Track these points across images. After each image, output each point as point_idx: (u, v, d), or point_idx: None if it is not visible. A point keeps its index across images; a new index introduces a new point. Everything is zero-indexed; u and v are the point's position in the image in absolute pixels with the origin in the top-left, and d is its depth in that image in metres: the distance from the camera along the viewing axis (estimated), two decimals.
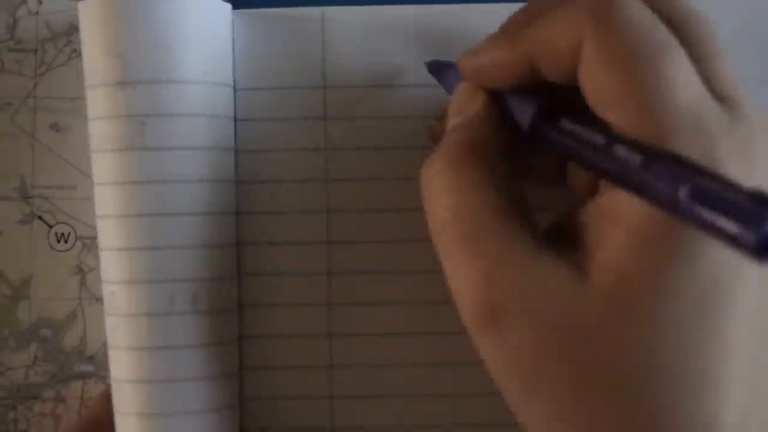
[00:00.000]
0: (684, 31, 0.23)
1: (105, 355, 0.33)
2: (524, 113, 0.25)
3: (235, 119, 0.33)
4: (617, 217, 0.22)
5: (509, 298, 0.23)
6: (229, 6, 0.33)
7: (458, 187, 0.24)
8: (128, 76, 0.30)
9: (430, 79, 0.32)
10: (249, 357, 0.33)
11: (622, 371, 0.21)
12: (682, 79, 0.22)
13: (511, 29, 0.25)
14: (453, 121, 0.27)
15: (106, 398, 0.32)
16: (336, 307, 0.33)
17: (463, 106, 0.27)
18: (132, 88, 0.30)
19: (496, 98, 0.26)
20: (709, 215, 0.18)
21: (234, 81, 0.33)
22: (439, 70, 0.31)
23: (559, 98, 0.24)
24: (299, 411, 0.33)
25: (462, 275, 0.24)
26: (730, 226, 0.17)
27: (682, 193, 0.18)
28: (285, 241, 0.33)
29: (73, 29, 0.35)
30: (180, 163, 0.31)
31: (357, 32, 0.34)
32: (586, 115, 0.23)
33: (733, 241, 0.17)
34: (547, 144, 0.24)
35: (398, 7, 0.34)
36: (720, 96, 0.23)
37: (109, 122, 0.31)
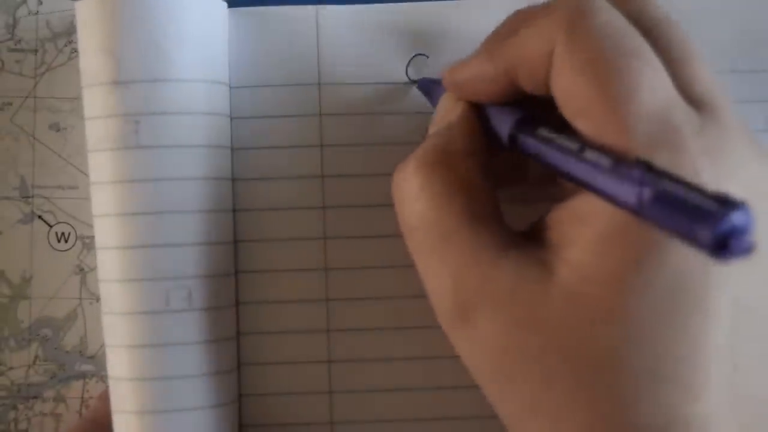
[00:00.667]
0: (657, 36, 0.23)
1: (105, 354, 0.33)
2: (503, 124, 0.25)
3: (231, 117, 0.33)
4: (586, 217, 0.22)
5: (477, 297, 0.23)
6: (224, 4, 0.33)
7: (427, 192, 0.24)
8: (123, 75, 0.30)
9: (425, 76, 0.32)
10: (247, 353, 0.33)
11: (587, 366, 0.21)
12: (652, 85, 0.22)
13: (490, 45, 0.26)
14: (432, 130, 0.27)
15: (107, 398, 0.32)
16: (333, 303, 0.33)
17: (443, 116, 0.27)
18: (126, 87, 0.30)
19: (477, 110, 0.26)
20: (670, 217, 0.18)
21: (229, 79, 0.33)
22: (428, 87, 0.32)
23: (539, 112, 0.25)
24: (298, 407, 0.33)
25: (432, 277, 0.24)
26: (689, 226, 0.17)
27: (646, 196, 0.19)
28: (281, 237, 0.33)
29: (73, 29, 0.35)
30: (175, 162, 0.31)
31: (351, 30, 0.34)
32: (563, 126, 0.23)
33: (692, 241, 0.17)
34: (525, 153, 0.24)
35: (392, 5, 0.34)
36: (695, 100, 0.23)
37: (104, 121, 0.31)
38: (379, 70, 0.34)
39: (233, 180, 0.33)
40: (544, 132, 0.23)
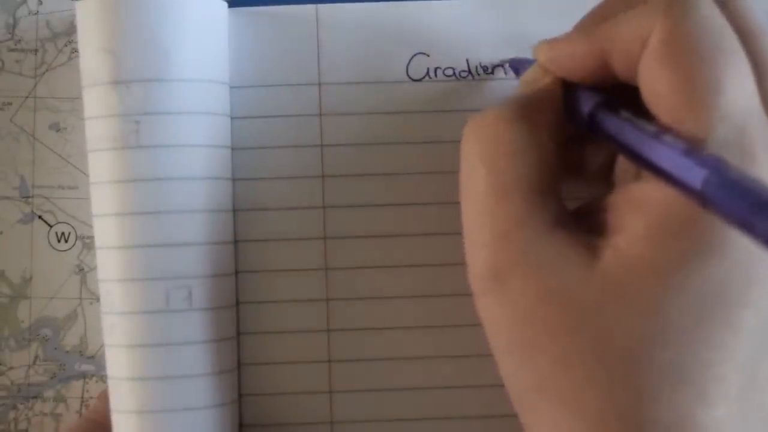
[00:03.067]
0: (752, 44, 0.23)
1: (105, 354, 0.33)
2: (586, 102, 0.25)
3: (231, 117, 0.33)
4: (640, 206, 0.22)
5: (515, 262, 0.23)
6: (224, 4, 0.33)
7: (497, 142, 0.24)
8: (123, 74, 0.30)
9: (424, 75, 0.32)
10: (247, 353, 0.33)
11: (611, 354, 0.21)
12: (737, 87, 0.22)
13: (587, 24, 0.26)
14: (519, 90, 0.27)
15: (107, 398, 0.32)
16: (334, 302, 0.33)
17: (530, 83, 0.27)
18: (126, 87, 0.30)
19: (563, 84, 0.26)
20: (733, 204, 0.18)
21: (229, 79, 0.33)
22: (518, 65, 0.32)
23: (623, 99, 0.24)
24: (298, 407, 0.33)
25: (477, 231, 0.24)
26: (750, 214, 0.17)
27: (713, 180, 0.19)
28: (281, 237, 0.33)
29: (73, 29, 0.35)
30: (176, 161, 0.31)
31: (352, 29, 0.34)
32: (643, 113, 0.23)
33: (752, 230, 0.17)
34: (601, 134, 0.25)
35: (392, 3, 0.34)
36: None
37: (104, 121, 0.31)
38: (379, 69, 0.34)
39: (233, 180, 0.33)
40: (623, 114, 0.24)
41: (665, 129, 0.22)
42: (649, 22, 0.23)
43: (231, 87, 0.33)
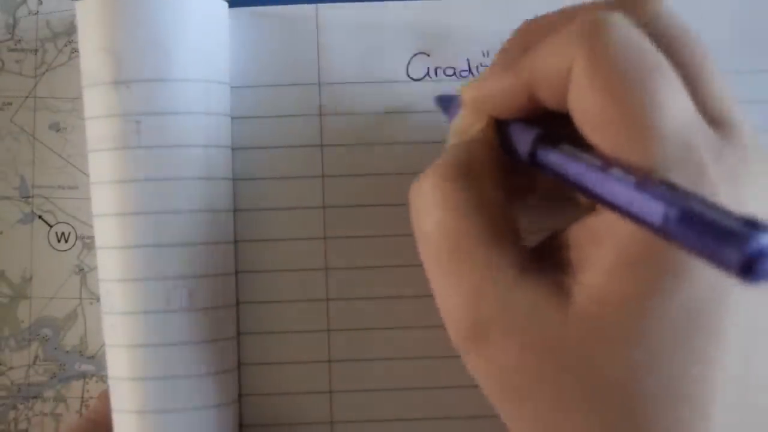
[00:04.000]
0: (676, 52, 0.23)
1: (105, 354, 0.33)
2: (524, 140, 0.25)
3: (231, 117, 0.33)
4: (604, 239, 0.22)
5: (492, 318, 0.23)
6: (225, 4, 0.33)
7: (446, 205, 0.24)
8: (123, 74, 0.30)
9: (425, 75, 0.32)
10: (247, 353, 0.33)
11: (602, 389, 0.21)
12: (672, 103, 0.21)
13: (508, 58, 0.25)
14: (451, 143, 0.27)
15: (107, 397, 0.32)
16: (334, 302, 0.33)
17: (462, 131, 0.27)
18: (127, 87, 0.30)
19: (496, 125, 0.26)
20: (697, 237, 0.18)
21: (229, 78, 0.33)
22: (445, 102, 0.31)
23: (559, 129, 0.24)
24: (298, 407, 0.33)
25: (447, 294, 0.24)
26: (717, 247, 0.17)
27: (672, 214, 0.18)
28: (281, 237, 0.33)
29: (73, 29, 0.35)
30: (176, 161, 0.31)
31: (351, 29, 0.34)
32: (581, 144, 0.23)
33: (720, 262, 0.17)
34: (544, 169, 0.24)
35: (392, 3, 0.34)
36: (713, 118, 0.22)
37: (104, 121, 0.31)
38: (379, 69, 0.34)
39: (233, 180, 0.33)
40: (566, 148, 0.23)
41: (610, 160, 0.21)
42: (569, 51, 0.22)
43: (231, 87, 0.33)
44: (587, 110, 0.22)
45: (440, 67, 0.34)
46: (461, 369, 0.32)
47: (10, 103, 0.35)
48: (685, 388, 0.21)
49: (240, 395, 0.33)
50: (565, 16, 0.25)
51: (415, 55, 0.34)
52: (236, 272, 0.33)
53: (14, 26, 0.35)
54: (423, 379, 0.33)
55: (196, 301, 0.31)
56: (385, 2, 0.34)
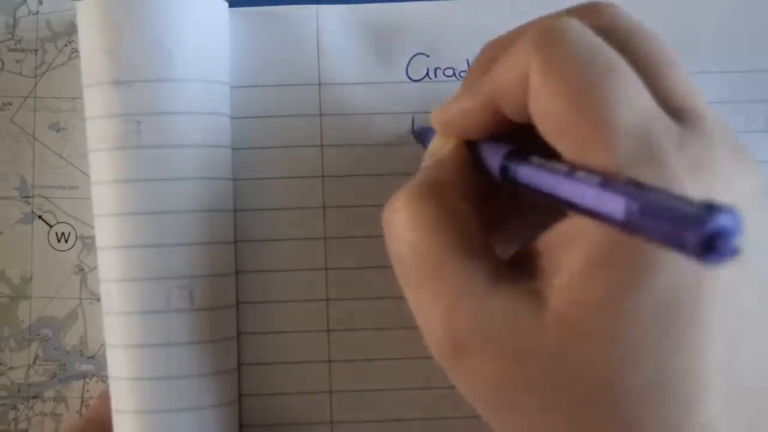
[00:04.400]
0: (632, 49, 0.23)
1: (105, 354, 0.33)
2: (494, 157, 0.25)
3: (231, 117, 0.33)
4: (574, 241, 0.22)
5: (469, 333, 0.23)
6: (225, 4, 0.33)
7: (416, 224, 0.24)
8: (124, 74, 0.30)
9: (424, 75, 0.32)
10: (247, 353, 0.33)
11: (585, 392, 0.21)
12: (629, 99, 0.21)
13: (471, 80, 0.26)
14: (422, 165, 0.27)
15: (107, 397, 0.32)
16: (334, 303, 0.33)
17: (435, 153, 0.27)
18: (127, 87, 0.30)
19: (468, 146, 0.26)
20: (658, 226, 0.18)
21: (230, 79, 0.33)
22: (423, 134, 0.31)
23: (531, 144, 0.24)
24: (298, 407, 0.33)
25: (424, 312, 0.24)
26: (676, 232, 0.17)
27: (634, 208, 0.19)
28: (281, 237, 0.33)
29: (73, 29, 0.35)
30: (176, 161, 0.31)
31: (352, 30, 0.34)
32: (552, 156, 0.23)
33: (681, 246, 0.17)
34: (517, 184, 0.24)
35: (392, 4, 0.34)
36: (675, 110, 0.22)
37: (105, 121, 0.31)
38: (379, 69, 0.34)
39: (233, 180, 0.33)
40: (534, 160, 0.23)
41: (575, 165, 0.21)
42: (525, 59, 0.22)
43: (231, 87, 0.33)
44: (546, 115, 0.22)
45: (440, 68, 0.34)
46: None
47: (10, 103, 0.35)
48: (670, 381, 0.21)
49: (240, 395, 0.33)
50: (522, 30, 0.25)
51: (415, 55, 0.34)
52: (236, 272, 0.33)
53: (14, 26, 0.35)
54: (423, 379, 0.33)
55: (196, 301, 0.31)
56: (385, 3, 0.34)
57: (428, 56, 0.34)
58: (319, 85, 0.34)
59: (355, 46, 0.34)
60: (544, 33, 0.22)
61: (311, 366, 0.33)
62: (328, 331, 0.33)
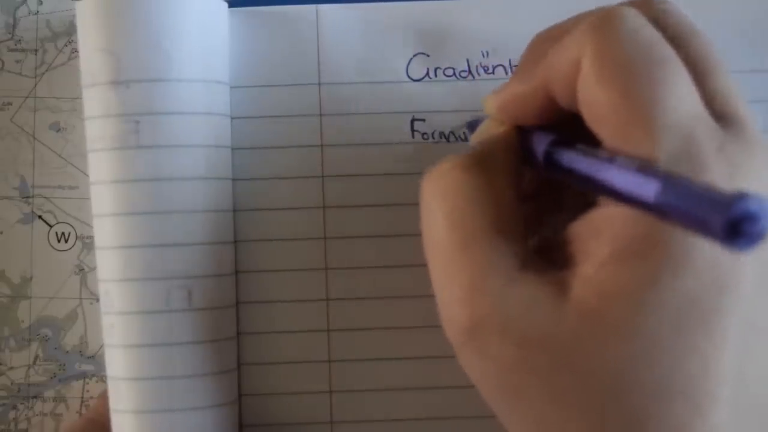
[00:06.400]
0: (684, 47, 0.23)
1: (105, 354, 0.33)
2: (540, 143, 0.25)
3: (231, 117, 0.33)
4: (602, 231, 0.22)
5: (489, 314, 0.23)
6: (225, 4, 0.33)
7: (457, 192, 0.24)
8: (123, 74, 0.30)
9: (425, 75, 0.32)
10: (247, 353, 0.33)
11: (597, 385, 0.21)
12: (678, 96, 0.22)
13: (526, 67, 0.26)
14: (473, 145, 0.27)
15: (107, 397, 0.32)
16: (334, 302, 0.33)
17: (484, 134, 0.27)
18: (127, 87, 0.30)
19: (517, 133, 0.26)
20: (687, 209, 0.18)
21: (230, 79, 0.33)
22: (474, 126, 0.31)
23: (577, 136, 0.24)
24: (298, 407, 0.33)
25: (447, 286, 0.24)
26: (703, 214, 0.18)
27: (664, 191, 0.19)
28: (281, 237, 0.33)
29: (73, 29, 0.35)
30: (175, 161, 0.31)
31: (352, 29, 0.34)
32: (595, 146, 0.23)
33: (707, 229, 0.17)
34: (557, 170, 0.24)
35: (392, 4, 0.34)
36: (719, 113, 0.22)
37: (103, 121, 0.31)
38: (379, 69, 0.34)
39: (233, 180, 0.33)
40: (578, 147, 0.23)
41: (617, 153, 0.22)
42: (580, 43, 0.22)
43: (231, 87, 0.33)
44: (593, 101, 0.22)
45: (440, 68, 0.34)
46: (461, 369, 0.32)
47: (10, 103, 0.35)
48: (681, 383, 0.21)
49: (240, 395, 0.33)
50: (574, 20, 0.25)
51: (415, 55, 0.34)
52: (236, 272, 0.33)
53: (14, 26, 0.35)
54: (423, 379, 0.33)
55: (195, 301, 0.31)
56: (385, 3, 0.34)
57: (428, 56, 0.34)
58: (319, 84, 0.34)
59: (355, 45, 0.34)
60: (601, 19, 0.22)
61: (311, 366, 0.33)
62: (328, 331, 0.33)
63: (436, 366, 0.33)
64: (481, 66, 0.33)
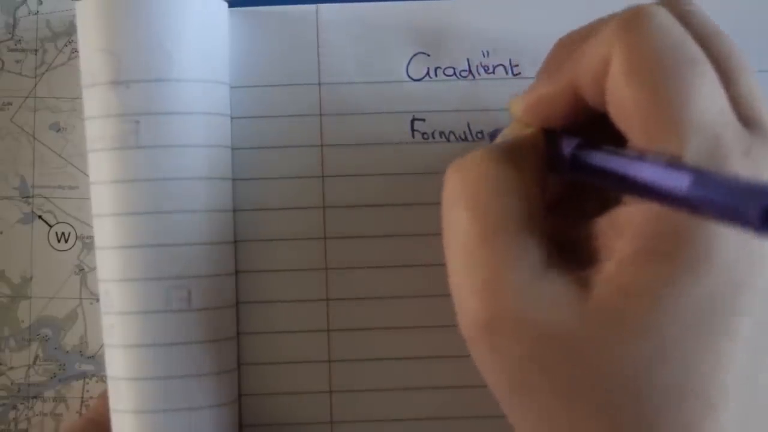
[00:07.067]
0: (710, 48, 0.23)
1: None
2: (567, 145, 0.25)
3: (231, 117, 0.33)
4: (625, 229, 0.22)
5: (509, 309, 0.22)
6: (225, 4, 0.33)
7: (486, 180, 0.24)
8: (123, 74, 0.30)
9: (425, 75, 0.32)
10: (247, 353, 0.33)
11: (612, 382, 0.21)
12: (708, 97, 0.22)
13: (551, 67, 0.26)
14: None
15: (107, 397, 0.32)
16: (334, 302, 0.33)
17: (511, 135, 0.27)
18: (126, 87, 0.30)
19: (545, 134, 0.26)
20: (720, 201, 0.18)
21: (230, 78, 0.33)
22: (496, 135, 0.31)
23: (602, 138, 0.24)
24: (298, 407, 0.33)
25: (467, 278, 0.23)
26: (738, 204, 0.18)
27: (696, 183, 0.19)
28: (282, 237, 0.33)
29: (73, 29, 0.35)
30: (175, 161, 0.31)
31: (351, 29, 0.34)
32: (624, 147, 0.23)
33: (741, 219, 0.18)
34: (583, 171, 0.24)
35: (392, 3, 0.34)
36: (745, 117, 0.22)
37: (104, 121, 0.31)
38: (379, 69, 0.34)
39: (233, 180, 0.33)
40: (605, 148, 0.23)
41: (644, 152, 0.22)
42: (609, 41, 0.22)
43: (231, 87, 0.33)
44: (622, 99, 0.22)
45: (440, 67, 0.34)
46: (461, 369, 0.32)
47: (10, 103, 0.35)
48: (695, 381, 0.21)
49: (240, 395, 0.33)
50: (602, 20, 0.25)
51: (415, 54, 0.34)
52: (236, 272, 0.33)
53: (14, 26, 0.35)
54: (423, 379, 0.33)
55: (195, 301, 0.31)
56: (385, 2, 0.34)
57: (429, 55, 0.34)
58: (319, 84, 0.34)
59: (355, 45, 0.34)
60: (631, 17, 0.22)
61: (311, 366, 0.33)
62: (328, 331, 0.33)
63: (437, 366, 0.33)
64: (481, 65, 0.33)
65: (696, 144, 0.21)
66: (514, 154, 0.25)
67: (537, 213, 0.24)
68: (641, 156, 0.21)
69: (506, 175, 0.24)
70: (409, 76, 0.34)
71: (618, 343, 0.21)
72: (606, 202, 0.24)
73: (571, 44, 0.25)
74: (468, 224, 0.23)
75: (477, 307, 0.23)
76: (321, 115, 0.34)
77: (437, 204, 0.33)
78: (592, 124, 0.25)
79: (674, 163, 0.20)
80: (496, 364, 0.23)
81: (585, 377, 0.22)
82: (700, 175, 0.19)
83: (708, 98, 0.22)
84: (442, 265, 0.33)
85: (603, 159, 0.23)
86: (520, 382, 0.23)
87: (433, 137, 0.33)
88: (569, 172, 0.25)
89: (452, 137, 0.33)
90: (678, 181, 0.20)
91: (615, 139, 0.23)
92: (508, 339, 0.22)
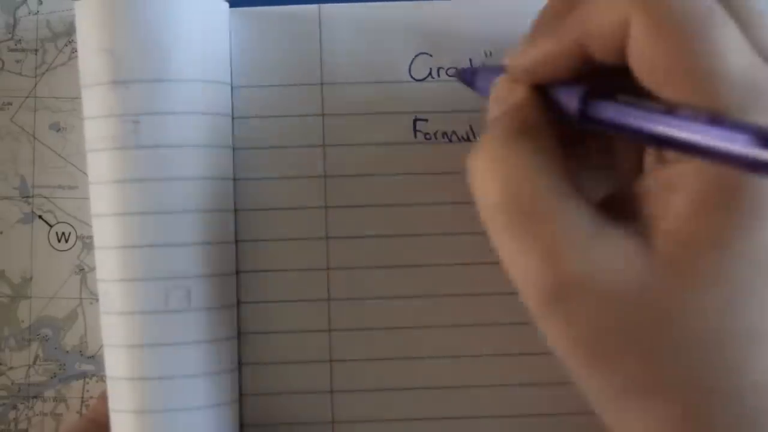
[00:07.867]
0: (728, 1, 0.23)
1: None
2: (572, 99, 0.24)
3: (232, 117, 0.33)
4: (679, 186, 0.22)
5: (573, 277, 0.22)
6: (225, 4, 0.33)
7: (510, 168, 0.24)
8: (122, 74, 0.30)
9: (427, 75, 0.32)
10: (247, 353, 0.33)
11: (690, 336, 0.21)
12: (734, 47, 0.22)
13: (550, 24, 0.25)
14: (494, 113, 0.27)
15: (107, 397, 0.32)
16: (335, 302, 0.33)
17: (503, 100, 0.26)
18: (126, 87, 0.30)
19: (539, 89, 0.26)
20: None
21: (232, 78, 0.33)
22: (467, 75, 0.31)
23: (604, 84, 0.24)
24: (299, 406, 0.33)
25: (520, 258, 0.23)
26: None
27: (758, 141, 0.19)
28: (283, 237, 0.33)
29: (73, 29, 0.35)
30: (176, 161, 0.31)
31: (354, 29, 0.34)
32: (637, 93, 0.23)
33: None
34: (598, 126, 0.24)
35: (395, 3, 0.34)
36: None
37: (103, 121, 0.31)
38: (381, 69, 0.34)
39: (236, 180, 0.33)
40: (622, 98, 0.23)
41: (674, 105, 0.21)
42: (626, 8, 0.22)
43: (232, 87, 0.33)
44: (649, 62, 0.22)
45: (443, 67, 0.34)
46: (462, 369, 0.33)
47: (10, 103, 0.35)
48: (764, 331, 0.21)
49: (240, 395, 0.33)
50: None
51: (418, 55, 0.34)
52: (237, 272, 0.33)
53: (14, 26, 0.35)
54: (424, 379, 0.33)
55: (195, 301, 0.31)
56: (387, 2, 0.34)
57: (431, 56, 0.34)
58: (322, 84, 0.34)
59: (358, 45, 0.34)
60: None
61: (312, 366, 0.33)
62: (329, 330, 0.33)
63: (437, 366, 0.33)
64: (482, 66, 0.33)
65: (736, 95, 0.21)
66: (529, 129, 0.24)
67: (570, 175, 0.24)
68: (673, 110, 0.21)
69: (528, 154, 0.24)
70: (411, 77, 0.34)
71: (692, 297, 0.21)
72: (613, 151, 0.24)
73: None
74: (506, 210, 0.23)
75: (542, 276, 0.23)
76: (323, 115, 0.33)
77: (439, 204, 0.33)
78: (593, 74, 0.25)
79: (720, 119, 0.20)
80: (569, 337, 0.23)
81: (661, 333, 0.22)
82: (757, 132, 0.19)
83: (736, 49, 0.22)
84: (444, 265, 0.33)
85: (624, 113, 0.23)
86: (594, 349, 0.23)
87: (436, 138, 0.33)
88: (578, 124, 0.24)
89: (455, 138, 0.33)
90: (735, 142, 0.19)
91: (621, 86, 0.23)
92: (578, 307, 0.22)
